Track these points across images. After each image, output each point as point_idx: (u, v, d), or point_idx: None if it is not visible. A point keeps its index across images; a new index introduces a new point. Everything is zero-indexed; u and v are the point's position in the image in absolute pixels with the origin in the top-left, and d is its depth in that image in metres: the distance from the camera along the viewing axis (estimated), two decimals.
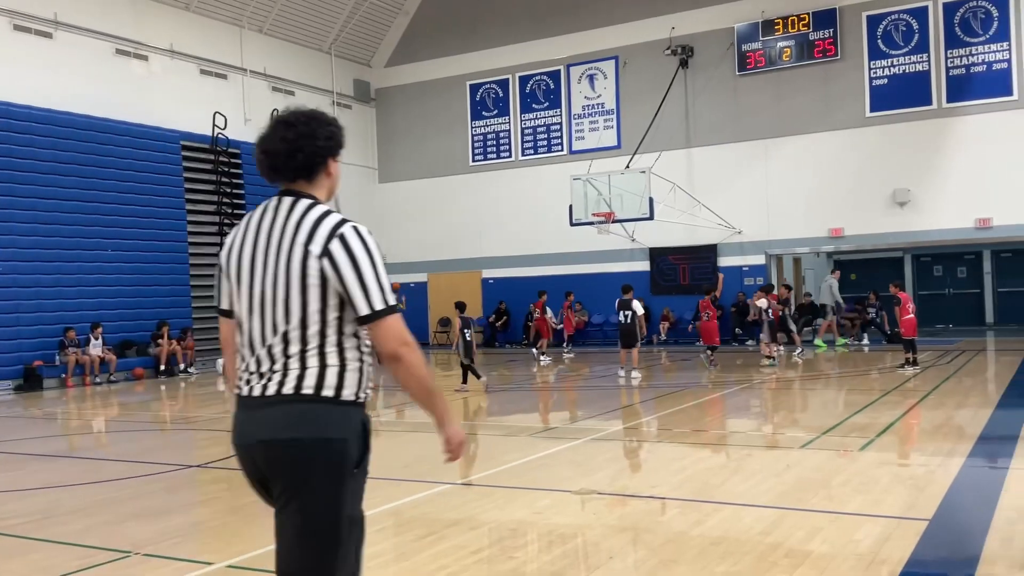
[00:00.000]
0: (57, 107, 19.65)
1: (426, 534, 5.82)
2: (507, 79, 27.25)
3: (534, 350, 20.96)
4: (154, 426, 12.93)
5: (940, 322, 28.68)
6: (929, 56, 22.14)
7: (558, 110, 26.55)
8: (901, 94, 22.33)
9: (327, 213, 2.77)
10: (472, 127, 27.76)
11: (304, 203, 2.81)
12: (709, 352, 17.44)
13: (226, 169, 23.38)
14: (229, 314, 2.98)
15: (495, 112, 27.47)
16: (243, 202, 23.67)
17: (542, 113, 26.79)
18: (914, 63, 22.29)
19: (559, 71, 26.52)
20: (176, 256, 21.77)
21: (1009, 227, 21.53)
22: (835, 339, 22.25)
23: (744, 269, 23.94)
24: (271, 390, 2.75)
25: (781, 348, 19.16)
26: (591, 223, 21.72)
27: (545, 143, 26.73)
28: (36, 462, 9.66)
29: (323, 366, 2.75)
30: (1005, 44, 21.42)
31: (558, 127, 26.55)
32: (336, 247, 2.71)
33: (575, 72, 26.30)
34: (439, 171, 28.03)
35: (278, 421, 2.73)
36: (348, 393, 2.79)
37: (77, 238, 19.61)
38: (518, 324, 26.53)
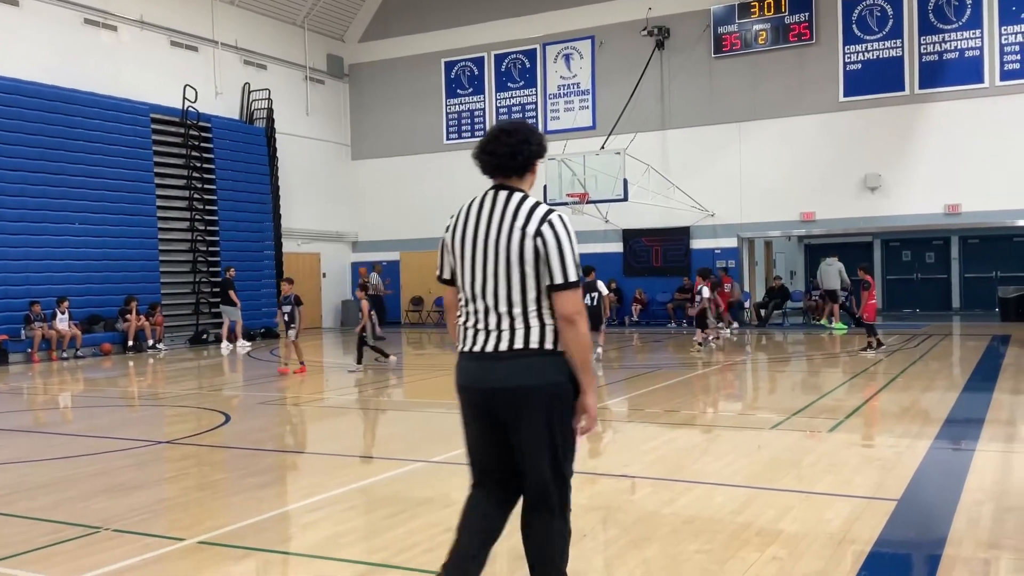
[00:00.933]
0: (23, 77, 19.26)
1: (398, 511, 5.80)
2: (482, 57, 27.07)
3: None
4: (122, 402, 12.79)
5: (907, 306, 29.05)
6: (903, 42, 22.27)
7: (533, 89, 26.44)
8: (874, 79, 22.47)
9: (538, 203, 3.49)
10: (447, 105, 27.58)
11: (518, 195, 3.53)
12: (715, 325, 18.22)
13: (196, 143, 23.07)
14: (450, 282, 3.68)
15: (470, 90, 27.31)
16: (213, 176, 23.39)
17: (517, 92, 26.67)
18: (888, 49, 22.42)
19: (535, 50, 26.39)
20: (145, 231, 21.47)
21: (977, 213, 21.80)
22: (811, 322, 22.52)
23: (716, 252, 24.05)
24: (503, 346, 3.45)
25: (722, 331, 19.60)
26: (565, 203, 21.66)
27: None
28: (2, 437, 9.52)
29: (542, 325, 3.44)
30: (977, 32, 21.59)
31: (533, 106, 26.45)
32: (546, 229, 3.41)
33: (551, 51, 26.19)
34: (413, 149, 27.84)
35: (515, 371, 3.43)
36: (561, 347, 3.45)
37: (44, 211, 19.26)
38: None
